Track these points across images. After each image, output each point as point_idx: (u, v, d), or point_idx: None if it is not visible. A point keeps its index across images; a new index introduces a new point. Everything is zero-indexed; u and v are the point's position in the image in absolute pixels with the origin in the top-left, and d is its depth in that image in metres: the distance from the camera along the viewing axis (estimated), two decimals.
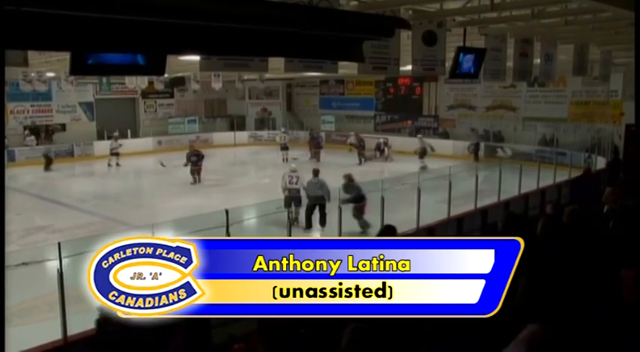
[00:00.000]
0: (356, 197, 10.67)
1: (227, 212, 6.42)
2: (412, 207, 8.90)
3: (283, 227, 7.37)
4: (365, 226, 10.56)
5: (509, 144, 22.13)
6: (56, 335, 4.97)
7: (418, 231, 8.58)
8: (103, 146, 24.38)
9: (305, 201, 11.64)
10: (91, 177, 20.74)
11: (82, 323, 4.54)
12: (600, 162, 15.55)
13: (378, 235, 5.32)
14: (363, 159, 21.73)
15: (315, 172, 11.95)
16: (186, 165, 17.64)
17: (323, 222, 11.47)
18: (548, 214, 5.25)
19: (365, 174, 17.75)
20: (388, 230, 5.34)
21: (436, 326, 2.67)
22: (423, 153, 20.02)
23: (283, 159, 21.62)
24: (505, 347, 2.50)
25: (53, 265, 5.16)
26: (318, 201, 11.48)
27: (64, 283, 4.97)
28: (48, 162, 21.61)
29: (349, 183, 10.95)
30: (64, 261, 4.95)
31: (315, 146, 23.00)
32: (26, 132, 23.87)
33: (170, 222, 10.75)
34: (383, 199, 8.41)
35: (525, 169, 11.94)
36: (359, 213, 10.67)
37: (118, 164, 21.95)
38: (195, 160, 17.57)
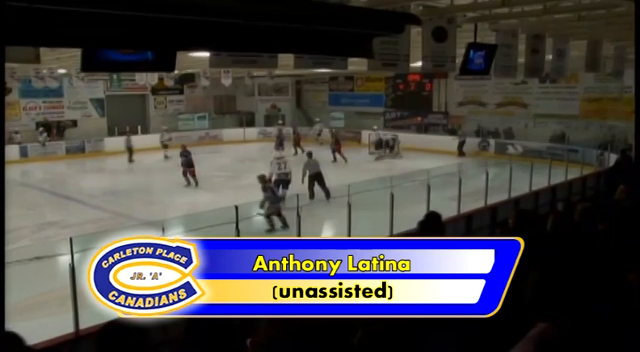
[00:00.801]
0: (271, 197, 11.31)
1: (237, 208, 6.45)
2: (421, 204, 8.88)
3: (291, 222, 7.37)
4: (285, 225, 11.01)
5: (519, 141, 22.01)
6: (68, 328, 5.01)
7: None
8: (113, 142, 24.57)
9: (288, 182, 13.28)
10: (102, 173, 20.88)
11: (91, 318, 4.57)
12: (613, 160, 15.42)
13: (420, 224, 5.11)
14: (337, 157, 21.38)
15: (309, 154, 14.61)
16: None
17: (328, 195, 13.28)
18: (559, 211, 5.20)
19: (373, 171, 17.76)
20: (432, 218, 5.00)
21: (444, 323, 2.66)
22: (379, 145, 22.96)
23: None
24: (513, 345, 2.49)
25: (63, 260, 5.20)
26: (317, 177, 13.63)
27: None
28: (130, 153, 22.32)
29: (265, 185, 11.53)
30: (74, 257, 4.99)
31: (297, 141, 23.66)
32: (41, 129, 24.07)
33: (180, 218, 10.83)
34: (392, 196, 8.39)
35: (536, 166, 11.88)
36: (275, 212, 11.19)
37: (167, 156, 22.66)
38: (184, 160, 17.00)
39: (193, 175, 16.94)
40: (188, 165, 16.97)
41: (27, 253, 7.23)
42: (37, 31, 2.25)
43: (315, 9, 2.68)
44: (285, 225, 10.94)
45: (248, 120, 29.68)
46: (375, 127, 24.30)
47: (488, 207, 10.01)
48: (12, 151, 22.40)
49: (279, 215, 11.14)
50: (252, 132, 28.88)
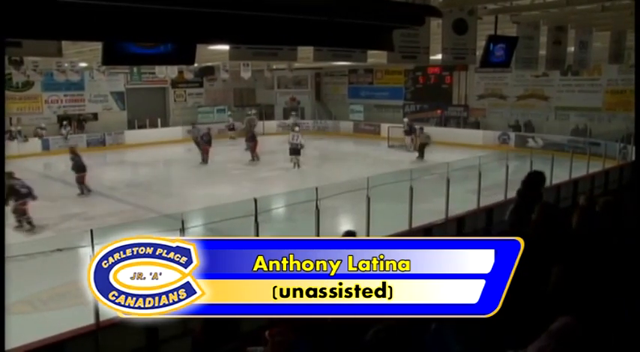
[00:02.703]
0: (15, 195, 11.05)
1: (256, 201, 6.45)
2: (441, 197, 8.83)
3: (310, 215, 7.37)
4: (30, 225, 11.36)
5: (540, 134, 21.73)
6: (88, 320, 5.07)
7: (447, 222, 8.52)
8: (133, 135, 24.76)
9: None
10: (122, 166, 21.07)
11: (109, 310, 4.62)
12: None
13: (524, 182, 5.25)
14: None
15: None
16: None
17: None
18: (581, 205, 5.11)
19: (393, 164, 17.68)
20: (536, 176, 5.24)
21: (463, 318, 2.65)
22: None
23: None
24: (535, 339, 2.47)
25: (84, 251, 5.26)
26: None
27: None
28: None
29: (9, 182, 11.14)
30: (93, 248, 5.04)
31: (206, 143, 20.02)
32: (64, 123, 24.36)
33: (199, 211, 10.89)
34: (412, 189, 8.35)
35: (557, 160, 11.72)
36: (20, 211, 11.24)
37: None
38: (74, 164, 15.03)
39: (82, 182, 14.90)
40: (79, 170, 14.97)
41: (50, 244, 7.32)
42: (59, 25, 2.27)
43: (336, 1, 2.67)
44: (31, 226, 11.23)
45: (267, 113, 29.72)
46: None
47: (508, 200, 9.89)
48: (34, 144, 22.77)
49: (24, 214, 11.19)
50: (271, 124, 28.90)
